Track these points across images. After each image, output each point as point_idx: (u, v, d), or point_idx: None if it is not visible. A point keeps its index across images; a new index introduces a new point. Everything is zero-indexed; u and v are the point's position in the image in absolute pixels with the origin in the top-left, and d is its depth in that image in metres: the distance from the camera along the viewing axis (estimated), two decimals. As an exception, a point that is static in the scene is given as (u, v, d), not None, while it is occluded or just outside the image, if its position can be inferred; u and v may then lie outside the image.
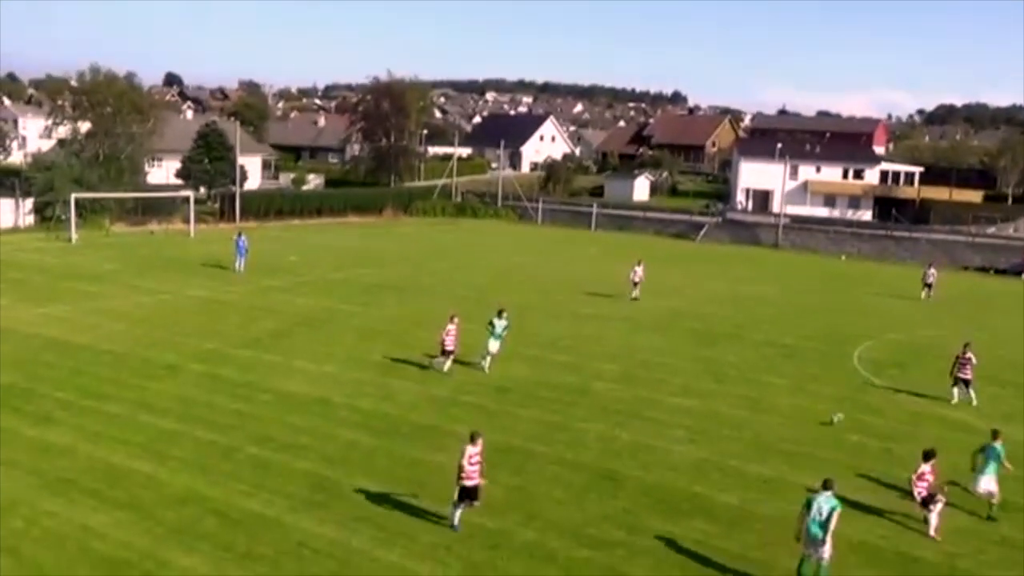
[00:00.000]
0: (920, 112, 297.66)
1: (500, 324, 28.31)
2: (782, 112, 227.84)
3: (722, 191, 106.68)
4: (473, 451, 16.86)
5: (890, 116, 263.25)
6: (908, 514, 18.82)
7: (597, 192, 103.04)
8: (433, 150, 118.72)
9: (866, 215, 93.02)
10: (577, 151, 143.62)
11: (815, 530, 15.01)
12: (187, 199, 64.40)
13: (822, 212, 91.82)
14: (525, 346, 30.85)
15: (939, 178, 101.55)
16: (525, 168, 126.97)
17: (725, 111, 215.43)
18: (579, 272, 54.10)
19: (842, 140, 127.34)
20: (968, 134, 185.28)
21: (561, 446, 21.98)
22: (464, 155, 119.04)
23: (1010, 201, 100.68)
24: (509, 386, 26.96)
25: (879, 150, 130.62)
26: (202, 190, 74.01)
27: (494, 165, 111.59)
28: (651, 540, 17.03)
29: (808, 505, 15.25)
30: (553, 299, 42.56)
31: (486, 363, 28.20)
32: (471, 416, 23.88)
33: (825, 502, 15.13)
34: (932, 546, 17.39)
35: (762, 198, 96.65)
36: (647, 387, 27.84)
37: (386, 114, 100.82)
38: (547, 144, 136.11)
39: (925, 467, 18.09)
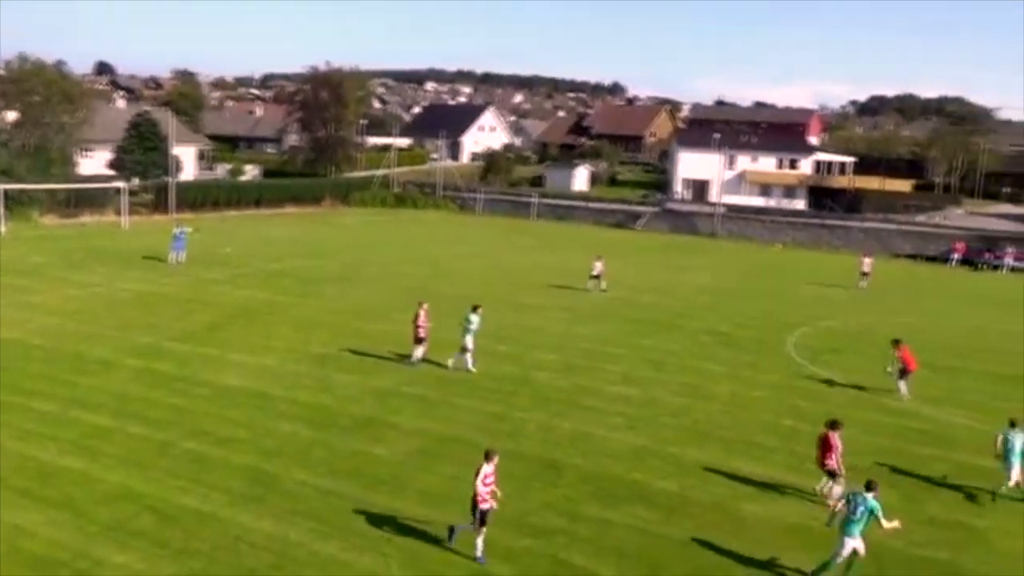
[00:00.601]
0: (853, 103, 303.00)
1: (475, 320, 27.73)
2: (719, 103, 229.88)
3: (661, 181, 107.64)
4: (488, 470, 15.63)
5: (824, 107, 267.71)
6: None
7: (537, 182, 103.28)
8: (372, 140, 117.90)
9: (801, 204, 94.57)
10: (517, 141, 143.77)
11: (851, 528, 15.21)
12: (119, 190, 63.09)
13: (758, 201, 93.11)
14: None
15: (871, 168, 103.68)
16: (465, 158, 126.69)
17: (664, 102, 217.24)
18: (519, 262, 54.25)
19: (778, 131, 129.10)
20: (899, 125, 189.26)
21: (502, 436, 22.03)
22: (404, 145, 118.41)
23: (938, 190, 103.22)
24: (450, 376, 26.93)
25: (814, 140, 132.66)
26: (135, 181, 72.53)
27: (434, 155, 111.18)
28: (591, 527, 17.19)
29: (848, 502, 15.50)
30: (493, 289, 42.60)
31: (468, 361, 27.50)
32: (412, 407, 23.85)
33: (863, 503, 15.33)
34: (864, 527, 17.77)
35: (700, 188, 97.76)
36: (587, 376, 28.03)
37: (325, 104, 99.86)
38: (487, 134, 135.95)
39: (834, 436, 18.69)
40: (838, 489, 18.50)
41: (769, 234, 77.71)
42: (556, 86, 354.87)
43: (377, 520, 16.89)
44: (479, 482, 15.47)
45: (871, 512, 15.25)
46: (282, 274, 44.17)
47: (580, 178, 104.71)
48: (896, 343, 27.51)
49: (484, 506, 15.45)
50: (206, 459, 19.48)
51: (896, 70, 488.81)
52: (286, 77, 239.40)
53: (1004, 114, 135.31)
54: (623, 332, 35.00)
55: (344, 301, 38.11)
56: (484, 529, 15.51)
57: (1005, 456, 19.81)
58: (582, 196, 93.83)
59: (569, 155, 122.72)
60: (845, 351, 33.92)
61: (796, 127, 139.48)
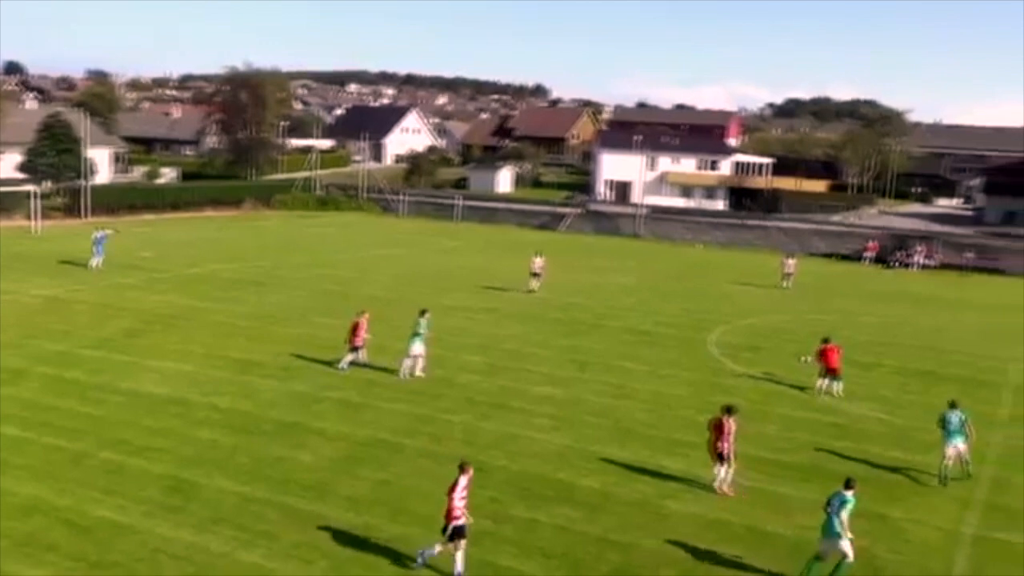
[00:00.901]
0: (771, 106, 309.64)
1: (423, 324, 27.57)
2: (641, 105, 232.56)
3: (584, 182, 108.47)
4: (463, 483, 15.18)
5: (743, 109, 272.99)
6: (761, 489, 19.66)
7: (461, 184, 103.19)
8: (294, 142, 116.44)
9: (721, 205, 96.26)
10: (441, 143, 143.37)
11: (832, 527, 15.45)
12: (30, 194, 61.11)
13: (680, 202, 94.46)
14: (391, 339, 30.58)
15: (789, 169, 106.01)
16: (388, 160, 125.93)
17: (586, 103, 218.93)
18: (444, 264, 54.14)
19: (698, 132, 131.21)
20: (814, 127, 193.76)
21: (427, 439, 21.98)
22: (326, 147, 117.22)
23: (852, 190, 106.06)
24: (375, 379, 26.75)
25: (733, 142, 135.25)
26: (47, 184, 70.37)
27: (357, 157, 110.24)
28: (517, 528, 17.25)
29: (829, 501, 15.75)
30: (418, 291, 42.40)
31: (417, 367, 27.25)
32: (335, 411, 23.64)
33: (839, 499, 15.59)
34: (783, 520, 18.19)
35: (622, 189, 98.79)
36: (512, 377, 28.11)
37: (244, 105, 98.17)
38: (410, 136, 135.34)
39: (729, 421, 19.25)
40: (724, 473, 19.20)
41: (690, 234, 78.87)
42: (480, 88, 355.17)
43: (302, 526, 16.69)
44: (455, 497, 15.02)
45: (843, 504, 15.51)
46: (201, 279, 43.33)
47: (504, 180, 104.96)
48: (824, 341, 28.37)
49: (459, 522, 14.99)
50: (123, 469, 19.01)
51: (811, 74, 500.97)
52: (204, 78, 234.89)
53: (914, 117, 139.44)
54: (547, 333, 35.17)
55: (265, 305, 37.56)
56: (463, 543, 15.05)
57: (944, 435, 21.08)
58: (506, 198, 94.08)
59: (493, 157, 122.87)
60: (764, 348, 34.61)
61: (716, 129, 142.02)
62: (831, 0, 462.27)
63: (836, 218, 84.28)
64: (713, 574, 15.85)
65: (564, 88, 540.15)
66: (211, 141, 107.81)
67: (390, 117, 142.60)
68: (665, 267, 60.38)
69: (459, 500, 15.05)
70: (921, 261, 68.66)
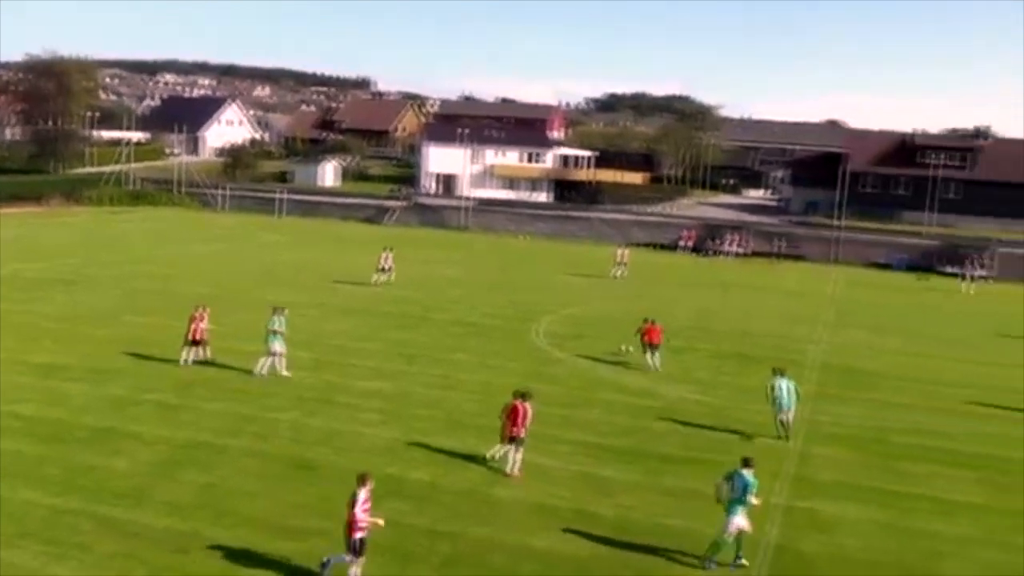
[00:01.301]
0: (592, 100, 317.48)
1: (278, 321, 26.87)
2: (466, 98, 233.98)
3: (410, 175, 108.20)
4: (364, 496, 14.56)
5: (565, 103, 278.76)
6: (587, 473, 20.21)
7: (284, 178, 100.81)
8: (104, 135, 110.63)
9: (545, 197, 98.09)
10: (262, 136, 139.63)
11: (735, 506, 15.85)
12: None
13: (505, 194, 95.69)
14: (215, 337, 29.66)
15: (610, 162, 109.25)
16: (207, 154, 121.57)
17: (411, 96, 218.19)
18: (267, 259, 52.83)
19: (522, 126, 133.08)
20: (634, 121, 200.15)
21: (252, 438, 21.42)
22: (139, 140, 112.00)
23: (669, 182, 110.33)
24: (193, 380, 25.83)
25: (556, 136, 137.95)
26: None
27: (173, 150, 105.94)
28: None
29: (729, 478, 16.15)
30: (240, 288, 41.23)
31: (281, 367, 26.72)
32: (153, 415, 22.68)
33: (739, 479, 15.98)
34: (607, 503, 18.74)
35: (448, 182, 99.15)
36: (339, 372, 27.76)
37: (48, 95, 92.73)
38: (230, 128, 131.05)
39: (524, 405, 19.84)
40: (519, 456, 19.78)
41: (516, 226, 79.99)
42: (302, 80, 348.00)
43: (118, 536, 15.93)
44: (358, 509, 14.50)
45: (746, 487, 15.91)
46: (0, 279, 40.57)
47: (328, 173, 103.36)
48: (645, 321, 30.46)
49: (361, 534, 14.54)
50: (-85, 485, 17.60)
51: (630, 69, 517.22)
52: (3, 66, 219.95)
53: (724, 112, 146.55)
54: (374, 327, 34.93)
55: (74, 305, 35.59)
56: (363, 559, 14.63)
57: (773, 401, 23.17)
58: (331, 191, 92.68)
59: (317, 150, 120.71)
60: (587, 336, 35.54)
61: (539, 123, 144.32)
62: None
63: (654, 209, 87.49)
64: (541, 558, 16.17)
65: (388, 81, 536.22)
66: (11, 133, 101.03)
67: (208, 108, 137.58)
68: (491, 259, 61.02)
69: (362, 512, 14.54)
70: (733, 249, 72.20)
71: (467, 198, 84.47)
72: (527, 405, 19.84)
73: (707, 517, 18.34)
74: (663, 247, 74.12)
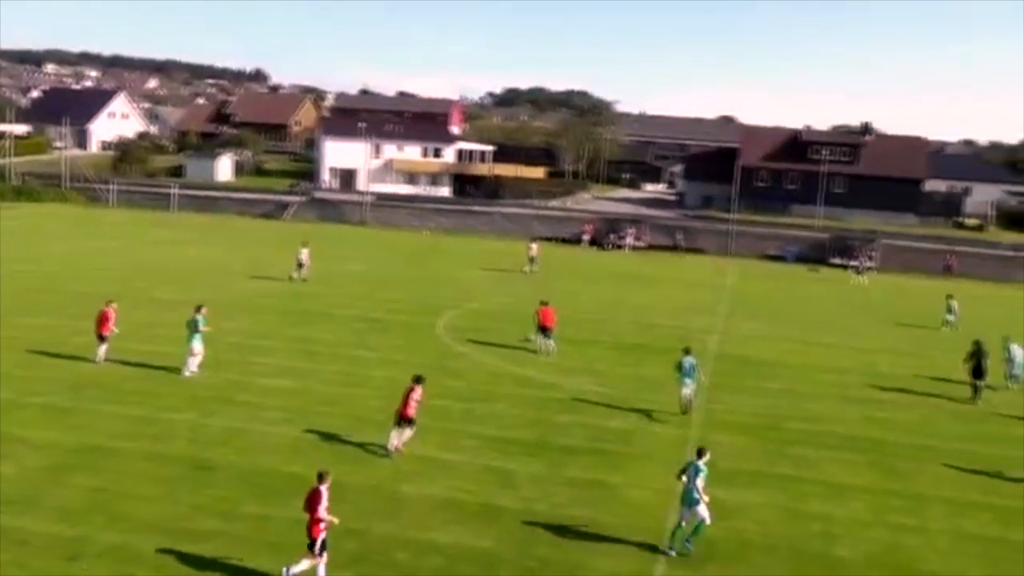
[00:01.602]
0: (491, 95, 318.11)
1: (201, 320, 26.51)
2: (364, 92, 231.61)
3: (308, 170, 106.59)
4: (325, 494, 14.73)
5: (464, 98, 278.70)
6: (491, 466, 20.29)
7: (177, 172, 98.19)
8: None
9: (446, 191, 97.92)
10: (153, 129, 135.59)
11: (691, 495, 16.35)
12: None
13: (405, 189, 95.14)
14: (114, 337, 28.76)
15: (509, 156, 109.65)
16: (95, 147, 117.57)
17: (308, 90, 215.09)
18: (161, 257, 51.35)
19: (422, 120, 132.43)
20: (532, 116, 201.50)
21: (148, 440, 20.83)
22: (21, 133, 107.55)
23: (568, 176, 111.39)
24: (85, 382, 24.98)
25: (456, 130, 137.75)
26: None
27: (58, 144, 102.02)
28: (248, 525, 16.77)
29: (684, 471, 16.68)
30: (132, 286, 40.00)
31: (194, 364, 26.43)
32: (42, 418, 21.86)
33: (694, 468, 16.52)
34: (512, 496, 18.86)
35: (348, 176, 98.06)
36: (239, 371, 27.21)
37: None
38: (119, 122, 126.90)
39: (417, 389, 20.81)
40: (408, 432, 20.83)
41: (417, 221, 79.62)
42: (194, 72, 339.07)
43: (5, 544, 15.31)
44: (322, 508, 14.54)
45: (697, 473, 16.44)
46: None
47: (224, 168, 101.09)
48: (542, 304, 31.99)
49: (324, 534, 14.64)
50: None
51: (528, 64, 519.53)
52: None
53: (621, 107, 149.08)
54: (274, 324, 34.33)
55: (-45, 306, 33.96)
56: (326, 557, 14.68)
57: (680, 373, 25.16)
58: (226, 186, 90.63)
59: (211, 144, 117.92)
60: (490, 330, 35.63)
61: (439, 117, 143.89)
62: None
63: (554, 203, 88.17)
64: (446, 552, 16.16)
65: (285, 74, 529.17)
66: None
67: (95, 101, 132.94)
68: (393, 254, 60.59)
69: (324, 512, 14.61)
70: (632, 243, 73.31)
71: (367, 193, 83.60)
72: (419, 388, 20.78)
73: (610, 506, 18.66)
74: (564, 241, 74.74)
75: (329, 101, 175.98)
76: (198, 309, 26.96)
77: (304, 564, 14.70)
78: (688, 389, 25.09)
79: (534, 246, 55.62)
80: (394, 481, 19.26)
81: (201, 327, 26.51)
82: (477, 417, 24.08)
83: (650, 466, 21.18)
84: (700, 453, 16.96)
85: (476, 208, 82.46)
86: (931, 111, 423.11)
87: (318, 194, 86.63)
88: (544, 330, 31.48)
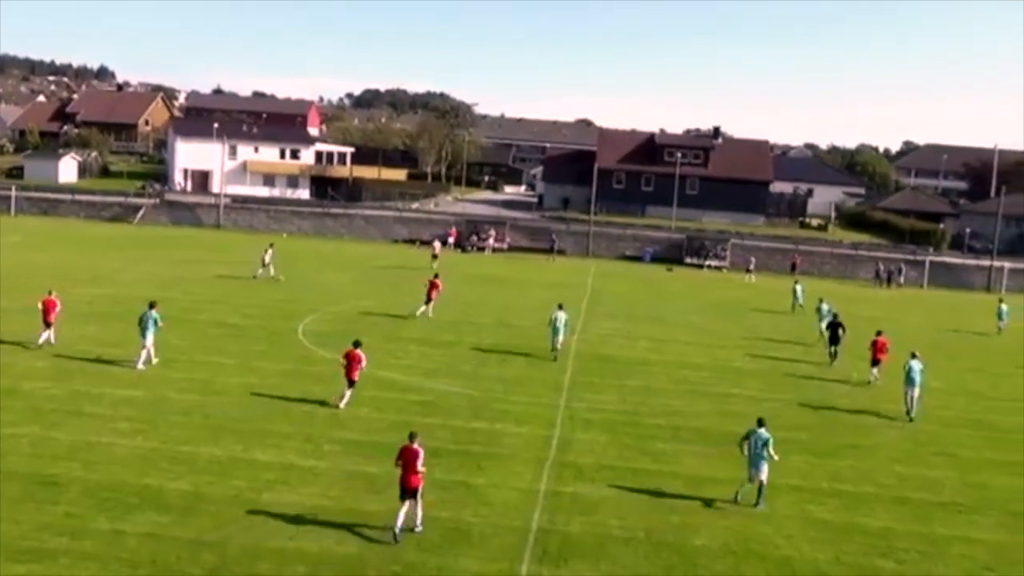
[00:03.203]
0: (349, 96, 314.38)
1: (156, 316, 28.05)
2: (218, 91, 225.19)
3: (160, 171, 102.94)
4: (421, 451, 17.25)
5: (322, 99, 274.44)
6: (356, 471, 20.04)
7: (16, 174, 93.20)
8: None
9: (305, 194, 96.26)
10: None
11: (756, 458, 19.51)
12: None
13: (263, 191, 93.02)
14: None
15: (369, 158, 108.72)
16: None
17: (158, 88, 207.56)
18: (2, 262, 48.57)
19: (279, 121, 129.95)
20: (391, 118, 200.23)
21: (-14, 457, 19.64)
22: None
23: (429, 179, 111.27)
24: (-85, 397, 23.37)
25: (313, 131, 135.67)
26: None
27: None
28: (99, 541, 16.02)
29: (747, 437, 19.77)
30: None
31: (143, 357, 27.84)
32: None
33: (758, 436, 19.54)
34: (376, 500, 18.62)
35: (202, 178, 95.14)
36: (86, 381, 26.01)
37: None
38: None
39: (356, 352, 24.66)
40: (348, 394, 24.77)
41: (275, 224, 77.98)
42: (33, 68, 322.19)
43: None
44: (419, 464, 17.09)
45: (765, 443, 19.43)
46: None
47: (67, 169, 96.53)
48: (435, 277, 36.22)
49: (422, 484, 17.19)
50: None
51: (387, 65, 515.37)
52: None
53: (480, 110, 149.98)
54: (124, 332, 32.88)
55: None
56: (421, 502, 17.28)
57: (552, 328, 31.22)
58: (72, 188, 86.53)
59: (53, 144, 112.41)
60: (352, 333, 35.00)
61: (297, 118, 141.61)
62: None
63: (416, 205, 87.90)
64: (310, 560, 15.88)
65: (132, 71, 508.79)
66: None
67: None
68: (250, 257, 59.06)
69: (421, 466, 17.05)
70: (493, 245, 73.80)
71: (222, 195, 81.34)
72: (356, 351, 25.07)
73: (475, 507, 18.72)
74: (426, 243, 74.56)
75: (181, 100, 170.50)
76: (151, 306, 28.46)
77: (402, 514, 16.86)
78: (557, 340, 27.98)
79: (437, 244, 57.59)
80: (254, 491, 18.78)
81: (160, 323, 28.14)
82: (340, 422, 23.76)
83: (514, 466, 21.35)
84: (760, 423, 19.89)
85: (335, 211, 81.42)
86: (775, 116, 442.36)
87: (170, 196, 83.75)
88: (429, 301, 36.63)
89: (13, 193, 78.08)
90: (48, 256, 52.42)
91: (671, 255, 73.94)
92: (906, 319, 50.58)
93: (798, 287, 49.83)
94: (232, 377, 27.54)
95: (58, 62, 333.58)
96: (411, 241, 75.26)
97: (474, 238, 74.63)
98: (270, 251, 48.94)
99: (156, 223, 76.71)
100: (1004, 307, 48.51)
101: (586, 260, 71.54)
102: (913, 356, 28.37)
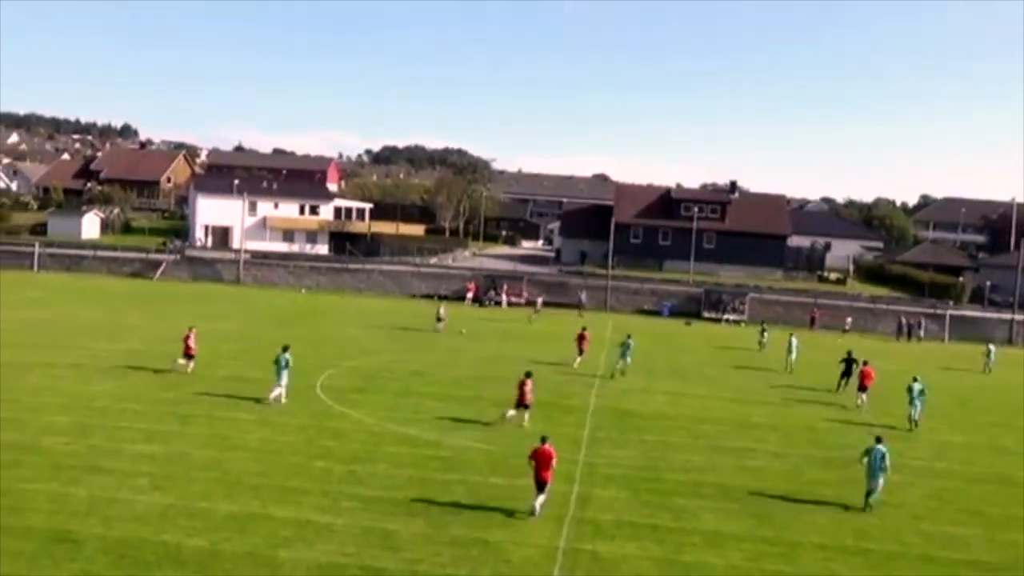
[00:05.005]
0: (368, 152, 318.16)
1: (286, 358, 31.12)
2: (239, 149, 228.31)
3: (181, 227, 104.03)
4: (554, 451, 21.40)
5: (341, 155, 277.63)
6: (372, 527, 19.90)
7: (40, 230, 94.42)
8: None
9: (323, 249, 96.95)
10: (14, 186, 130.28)
11: (875, 470, 22.97)
12: None
13: (282, 247, 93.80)
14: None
15: (387, 213, 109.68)
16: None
17: (180, 146, 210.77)
18: (22, 318, 48.95)
19: (298, 177, 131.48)
20: (409, 174, 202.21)
21: (3, 512, 19.62)
22: None
23: (447, 233, 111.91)
24: (-65, 452, 23.45)
25: (332, 187, 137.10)
26: None
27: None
28: (114, 599, 15.92)
29: (868, 453, 23.28)
30: (-10, 350, 37.99)
31: (280, 395, 30.87)
32: None
33: (877, 451, 22.99)
34: (393, 557, 18.51)
35: (222, 234, 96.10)
36: (105, 437, 26.03)
37: None
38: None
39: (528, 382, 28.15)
40: (526, 414, 29.44)
41: (294, 279, 78.47)
42: (58, 126, 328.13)
43: None
44: (554, 462, 21.32)
45: (883, 457, 22.91)
46: None
47: (90, 225, 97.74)
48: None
49: (552, 479, 21.54)
50: None
51: (405, 122, 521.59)
52: None
53: (498, 165, 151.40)
54: (144, 387, 33.07)
55: None
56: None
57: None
58: (95, 244, 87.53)
59: (76, 201, 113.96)
60: (369, 389, 35.20)
61: (316, 174, 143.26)
62: (408, 51, 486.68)
63: (434, 260, 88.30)
64: (328, 619, 15.72)
65: (155, 129, 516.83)
66: None
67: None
68: (269, 313, 59.42)
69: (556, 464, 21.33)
70: (509, 299, 73.87)
71: (242, 251, 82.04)
72: (529, 380, 29.88)
73: (493, 564, 18.51)
74: (444, 298, 74.76)
75: (203, 158, 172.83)
76: (285, 348, 31.20)
77: (541, 499, 20.86)
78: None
79: (444, 309, 55.74)
80: (271, 547, 18.66)
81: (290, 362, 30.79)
82: (358, 478, 23.64)
83: (533, 523, 21.15)
84: (879, 440, 23.45)
85: (354, 266, 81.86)
86: (791, 170, 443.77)
87: (191, 252, 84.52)
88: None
89: (36, 249, 79.01)
90: (68, 311, 52.81)
91: (689, 309, 73.74)
92: (929, 373, 50.07)
93: (793, 339, 47.68)
94: (250, 433, 27.50)
95: (83, 120, 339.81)
96: (430, 295, 75.41)
97: (492, 293, 74.73)
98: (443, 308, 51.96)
99: (176, 278, 77.33)
100: (992, 347, 55.21)
101: (605, 314, 71.39)
102: (915, 380, 33.92)
